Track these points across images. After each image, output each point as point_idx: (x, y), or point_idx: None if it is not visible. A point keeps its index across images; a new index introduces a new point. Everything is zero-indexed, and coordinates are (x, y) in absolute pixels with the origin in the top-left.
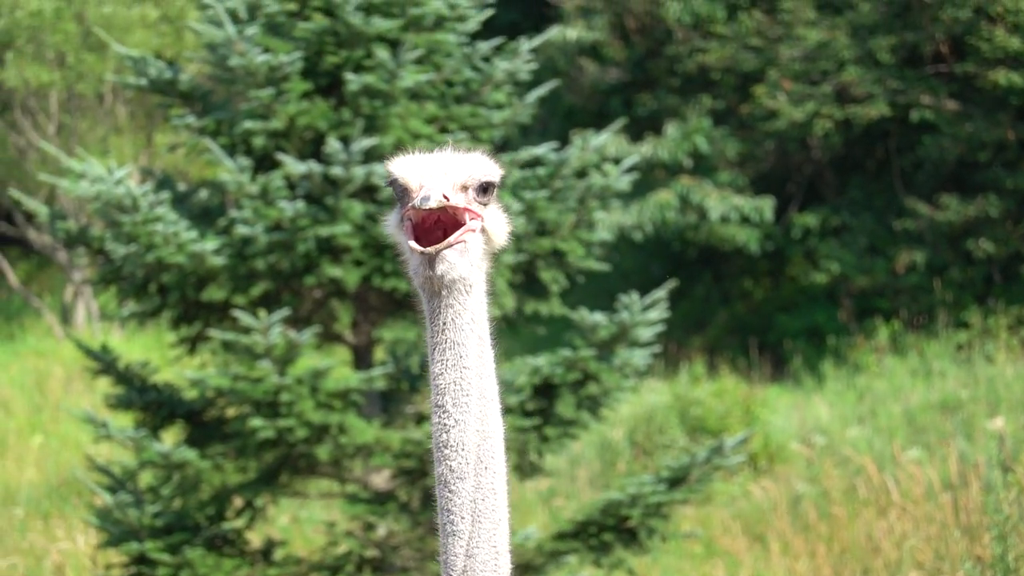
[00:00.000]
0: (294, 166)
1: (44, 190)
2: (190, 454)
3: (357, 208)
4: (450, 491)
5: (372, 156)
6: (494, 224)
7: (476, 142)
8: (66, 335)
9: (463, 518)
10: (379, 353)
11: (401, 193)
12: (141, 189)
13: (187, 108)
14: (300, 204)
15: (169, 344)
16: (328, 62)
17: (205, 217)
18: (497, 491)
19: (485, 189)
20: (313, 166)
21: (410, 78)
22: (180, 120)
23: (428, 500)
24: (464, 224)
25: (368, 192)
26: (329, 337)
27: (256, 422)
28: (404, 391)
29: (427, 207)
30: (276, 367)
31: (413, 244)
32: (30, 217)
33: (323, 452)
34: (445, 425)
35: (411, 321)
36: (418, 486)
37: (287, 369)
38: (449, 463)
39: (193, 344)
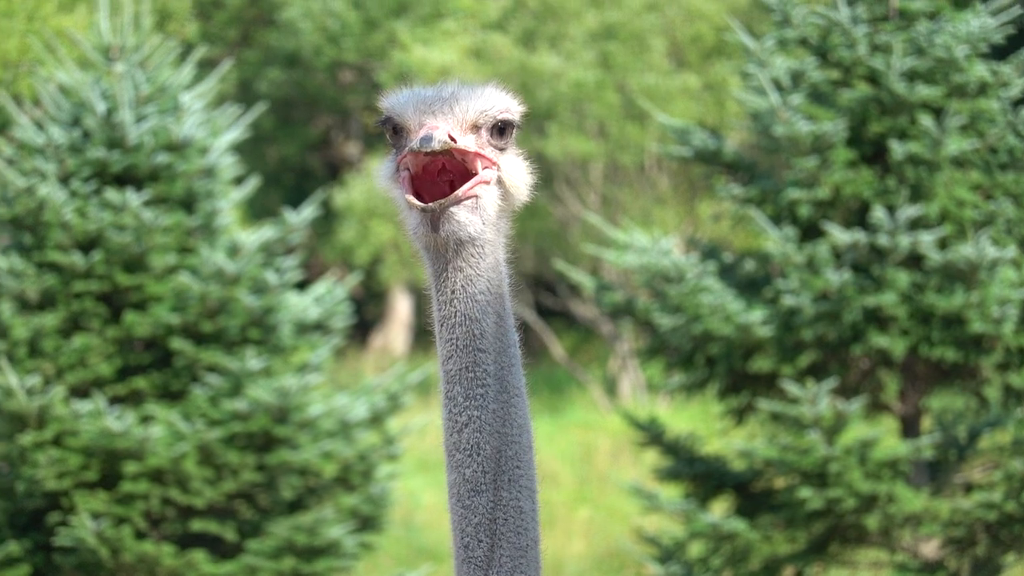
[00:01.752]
0: (840, 235)
1: (586, 261)
2: (740, 525)
3: (903, 278)
4: (463, 507)
5: (917, 225)
6: (513, 174)
7: (1022, 210)
8: (613, 407)
9: (480, 541)
10: (926, 422)
11: (397, 135)
12: (687, 259)
13: (731, 177)
14: (846, 273)
15: (715, 415)
16: (872, 130)
17: (750, 287)
18: (524, 510)
19: (502, 130)
20: (859, 235)
21: (954, 145)
22: (725, 190)
23: (978, 570)
24: (476, 173)
25: (914, 261)
26: (876, 407)
27: (805, 492)
28: (952, 460)
29: (428, 150)
30: (824, 437)
31: (411, 199)
32: (573, 288)
33: (872, 522)
34: (456, 422)
35: (959, 390)
36: (967, 555)
37: (835, 439)
38: (463, 471)
39: (740, 415)
